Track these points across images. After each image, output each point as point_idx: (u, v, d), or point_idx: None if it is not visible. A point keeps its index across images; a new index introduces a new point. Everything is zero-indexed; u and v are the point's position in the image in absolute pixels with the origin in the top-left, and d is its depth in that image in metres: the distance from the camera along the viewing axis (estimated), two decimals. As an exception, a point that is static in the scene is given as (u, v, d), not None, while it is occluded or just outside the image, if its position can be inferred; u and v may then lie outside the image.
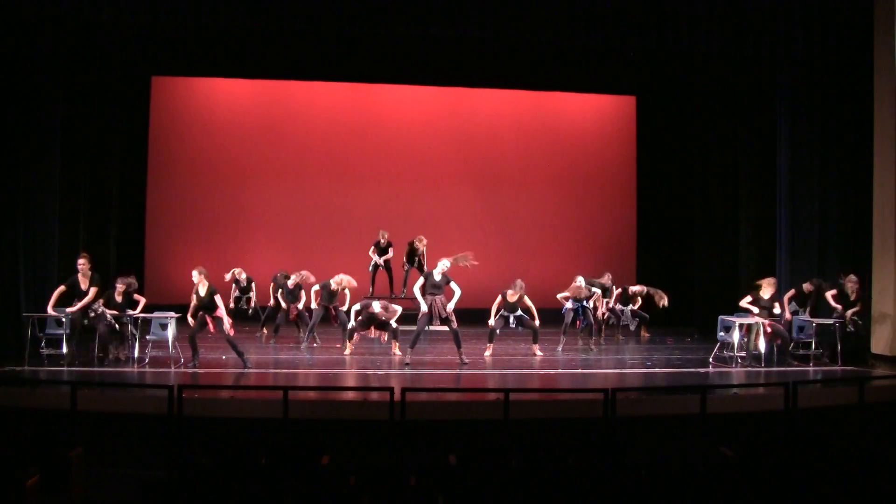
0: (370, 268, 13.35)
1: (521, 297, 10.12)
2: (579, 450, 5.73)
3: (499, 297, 10.15)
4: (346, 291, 10.76)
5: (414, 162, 15.25)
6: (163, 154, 14.65)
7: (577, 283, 10.89)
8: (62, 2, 9.39)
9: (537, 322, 10.20)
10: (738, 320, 9.46)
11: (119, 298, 9.22)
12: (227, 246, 14.86)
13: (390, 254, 13.35)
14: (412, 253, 13.26)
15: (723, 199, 13.10)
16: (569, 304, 10.85)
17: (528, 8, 10.20)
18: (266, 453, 5.43)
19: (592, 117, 15.76)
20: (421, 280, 9.52)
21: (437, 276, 9.42)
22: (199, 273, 8.74)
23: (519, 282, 10.10)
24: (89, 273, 8.81)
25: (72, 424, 6.39)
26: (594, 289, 11.26)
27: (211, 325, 8.77)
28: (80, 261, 8.83)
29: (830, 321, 9.68)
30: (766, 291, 9.59)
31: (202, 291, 8.73)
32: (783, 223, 10.90)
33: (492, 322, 10.12)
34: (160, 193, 14.66)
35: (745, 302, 9.68)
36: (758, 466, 5.23)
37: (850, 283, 9.84)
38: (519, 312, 10.13)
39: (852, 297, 9.83)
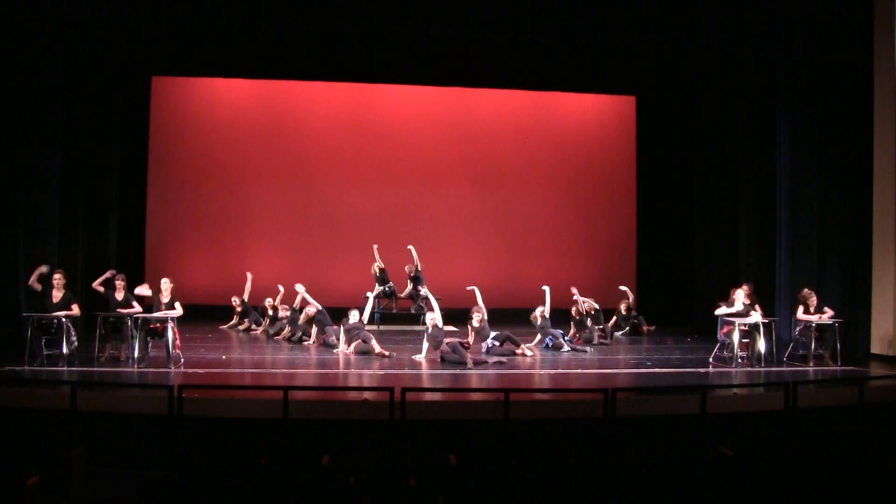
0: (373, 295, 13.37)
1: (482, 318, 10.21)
2: (579, 450, 5.73)
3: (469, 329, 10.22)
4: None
5: (414, 162, 15.25)
6: (163, 154, 14.66)
7: (536, 314, 11.04)
8: (62, 2, 9.38)
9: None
10: (738, 321, 9.45)
11: (119, 297, 9.23)
12: (228, 245, 14.87)
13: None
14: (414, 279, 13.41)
15: (723, 200, 13.09)
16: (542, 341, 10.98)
17: (529, 8, 10.19)
18: (266, 453, 5.43)
19: (592, 117, 15.76)
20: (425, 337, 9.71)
21: (430, 329, 9.60)
22: (168, 283, 9.16)
23: (476, 310, 10.22)
24: (63, 288, 8.86)
25: (72, 424, 6.39)
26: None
27: (159, 329, 9.02)
28: (56, 275, 8.87)
29: (830, 321, 9.67)
30: (738, 300, 9.58)
31: (166, 299, 9.05)
32: (783, 223, 10.89)
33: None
34: (160, 193, 14.67)
35: (721, 311, 9.64)
36: (758, 466, 5.23)
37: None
38: (492, 335, 10.15)
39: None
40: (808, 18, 10.44)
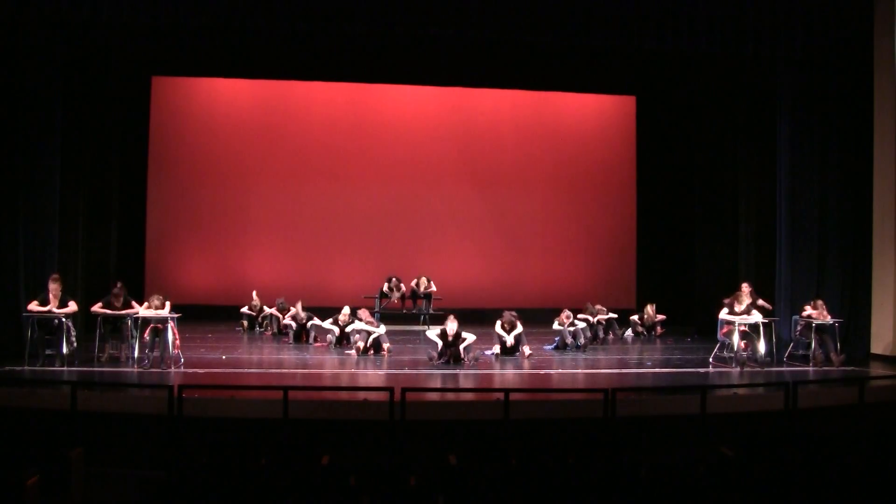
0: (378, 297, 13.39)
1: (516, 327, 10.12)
2: (579, 450, 5.73)
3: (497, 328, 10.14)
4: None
5: (414, 162, 15.25)
6: (163, 154, 14.65)
7: (566, 314, 10.95)
8: (62, 2, 9.38)
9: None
10: (738, 320, 9.44)
11: (118, 304, 9.22)
12: (228, 246, 14.87)
13: (403, 288, 13.42)
14: (415, 294, 13.42)
15: (723, 199, 13.09)
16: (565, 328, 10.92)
17: (528, 8, 10.19)
18: (266, 453, 5.43)
19: (592, 117, 15.76)
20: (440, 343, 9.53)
21: (451, 335, 9.50)
22: (162, 300, 9.15)
23: (507, 314, 10.19)
24: (59, 295, 8.80)
25: (72, 424, 6.39)
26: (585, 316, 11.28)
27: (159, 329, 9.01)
28: (52, 286, 8.80)
29: (830, 321, 9.67)
30: (743, 302, 9.55)
31: (164, 310, 9.04)
32: (783, 223, 10.89)
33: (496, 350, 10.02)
34: (160, 193, 14.66)
35: (724, 314, 9.60)
36: (758, 466, 5.23)
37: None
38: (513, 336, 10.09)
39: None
40: (808, 18, 10.44)
